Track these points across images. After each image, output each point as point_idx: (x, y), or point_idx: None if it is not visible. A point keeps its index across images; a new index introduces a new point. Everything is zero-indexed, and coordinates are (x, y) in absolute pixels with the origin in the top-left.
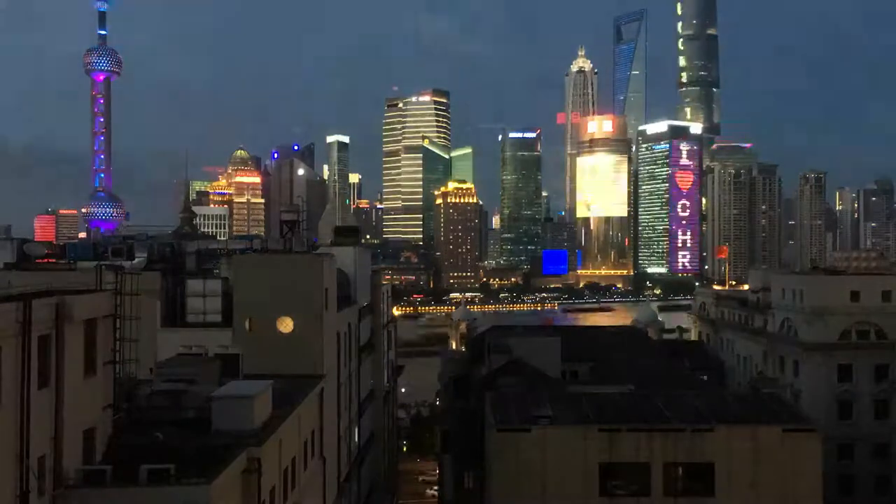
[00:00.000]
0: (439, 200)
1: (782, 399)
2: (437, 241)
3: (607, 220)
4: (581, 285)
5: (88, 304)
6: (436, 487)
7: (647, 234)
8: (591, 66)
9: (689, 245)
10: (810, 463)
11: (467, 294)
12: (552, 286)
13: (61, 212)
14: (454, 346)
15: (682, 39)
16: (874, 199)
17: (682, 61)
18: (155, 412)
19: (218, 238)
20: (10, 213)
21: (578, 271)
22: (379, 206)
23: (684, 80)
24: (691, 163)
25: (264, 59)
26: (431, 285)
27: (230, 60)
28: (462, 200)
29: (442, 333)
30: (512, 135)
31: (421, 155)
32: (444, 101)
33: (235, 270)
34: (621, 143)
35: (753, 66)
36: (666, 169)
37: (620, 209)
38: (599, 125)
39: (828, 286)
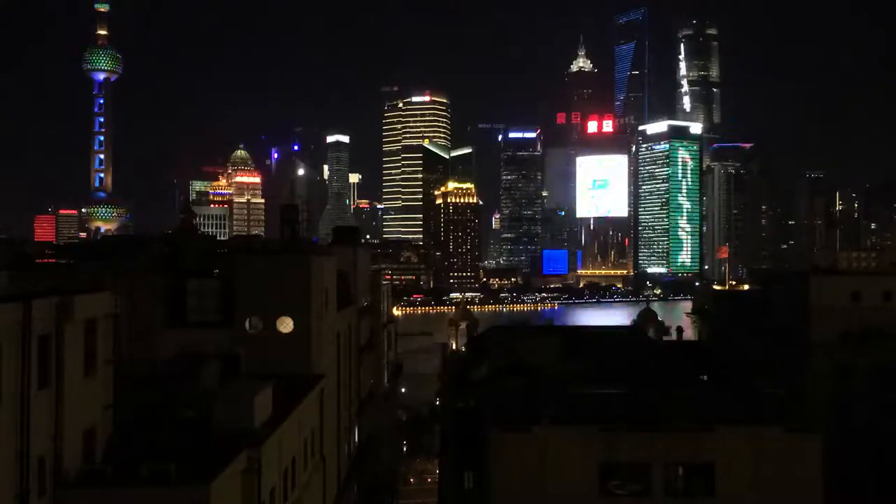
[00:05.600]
0: (439, 200)
1: (783, 399)
2: (437, 241)
3: (607, 220)
4: (581, 285)
5: (89, 304)
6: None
7: (647, 234)
8: (591, 66)
9: (689, 245)
10: (810, 463)
11: (467, 294)
12: (552, 286)
13: (61, 212)
14: (454, 347)
15: (681, 39)
16: (875, 199)
17: (681, 61)
18: (155, 412)
19: (218, 238)
20: (10, 213)
21: (578, 271)
22: (379, 206)
23: (684, 80)
24: (691, 163)
25: (264, 58)
26: (431, 285)
27: (230, 59)
28: (462, 200)
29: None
30: (512, 135)
31: (421, 155)
32: (444, 100)
33: (236, 270)
34: (621, 143)
35: (753, 66)
36: (666, 169)
37: (620, 209)
38: (599, 125)
39: (828, 286)
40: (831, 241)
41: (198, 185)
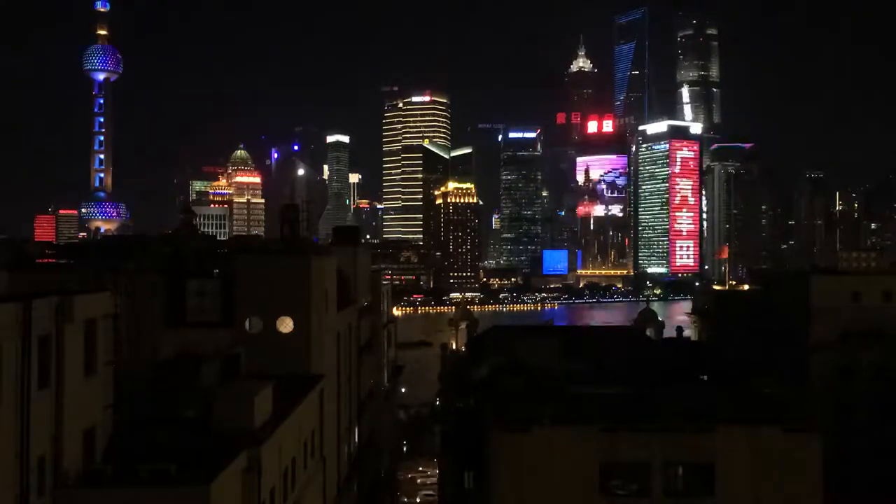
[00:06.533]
0: (439, 200)
1: (783, 399)
2: (437, 241)
3: (607, 220)
4: (581, 285)
5: (89, 304)
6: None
7: (647, 234)
8: (591, 66)
9: (689, 245)
10: (810, 463)
11: (467, 294)
12: (552, 286)
13: (61, 212)
14: (454, 347)
15: (681, 39)
16: (875, 199)
17: (681, 61)
18: (155, 412)
19: (218, 238)
20: (10, 213)
21: (578, 271)
22: (379, 206)
23: (684, 80)
24: (691, 163)
25: (264, 58)
26: (431, 285)
27: (230, 59)
28: (462, 200)
29: None
30: (512, 135)
31: (421, 155)
32: (444, 100)
33: (236, 270)
34: (621, 143)
35: (753, 67)
36: (666, 169)
37: (620, 209)
38: (599, 125)
39: (828, 286)
40: (831, 241)
41: (198, 185)
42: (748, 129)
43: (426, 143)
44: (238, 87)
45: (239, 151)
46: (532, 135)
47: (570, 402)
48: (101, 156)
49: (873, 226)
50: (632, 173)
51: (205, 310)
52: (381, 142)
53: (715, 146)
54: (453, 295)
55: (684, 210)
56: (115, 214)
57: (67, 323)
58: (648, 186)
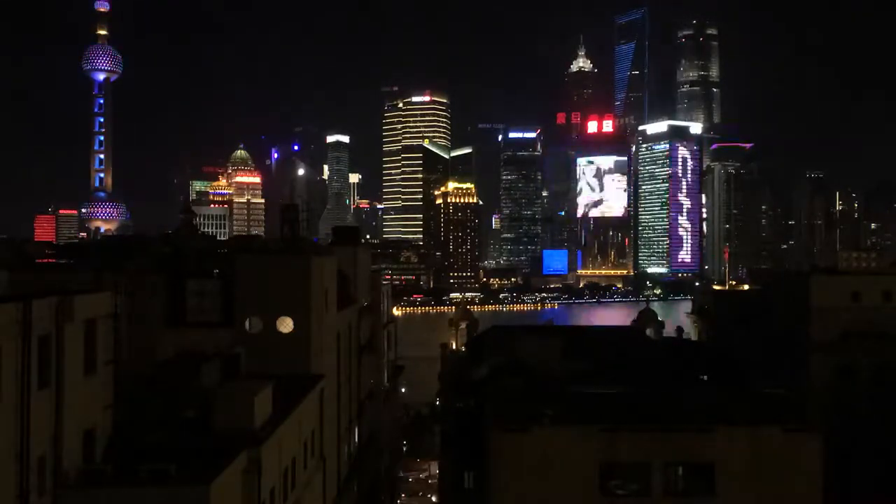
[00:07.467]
0: (439, 200)
1: (783, 399)
2: (437, 241)
3: (607, 220)
4: (581, 285)
5: (89, 304)
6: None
7: (647, 234)
8: (591, 66)
9: (689, 245)
10: (811, 463)
11: (467, 294)
12: (552, 286)
13: (61, 212)
14: (454, 347)
15: (681, 39)
16: (875, 199)
17: (682, 61)
18: (155, 412)
19: (218, 238)
20: (10, 213)
21: (578, 271)
22: (379, 206)
23: (684, 80)
24: (691, 163)
25: (264, 58)
26: (431, 285)
27: (230, 59)
28: (462, 200)
29: None
30: (512, 135)
31: (421, 155)
32: (444, 100)
33: (236, 270)
34: (621, 143)
35: (753, 66)
36: (666, 169)
37: (620, 209)
38: (599, 125)
39: (828, 286)
40: (831, 241)
41: (198, 185)
42: (748, 129)
43: (426, 143)
44: (238, 87)
45: (239, 151)
46: (532, 135)
47: (570, 402)
48: (101, 156)
49: (873, 226)
50: (631, 173)
51: (205, 310)
52: (381, 142)
53: (715, 146)
54: (453, 295)
55: (684, 210)
56: (115, 214)
57: (67, 323)
58: (648, 186)
